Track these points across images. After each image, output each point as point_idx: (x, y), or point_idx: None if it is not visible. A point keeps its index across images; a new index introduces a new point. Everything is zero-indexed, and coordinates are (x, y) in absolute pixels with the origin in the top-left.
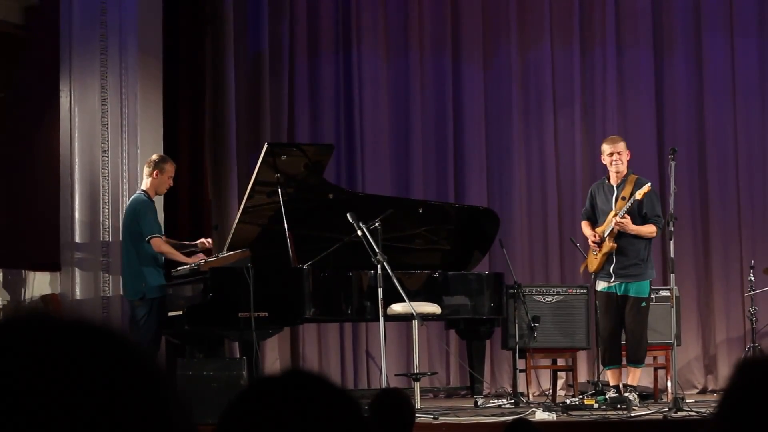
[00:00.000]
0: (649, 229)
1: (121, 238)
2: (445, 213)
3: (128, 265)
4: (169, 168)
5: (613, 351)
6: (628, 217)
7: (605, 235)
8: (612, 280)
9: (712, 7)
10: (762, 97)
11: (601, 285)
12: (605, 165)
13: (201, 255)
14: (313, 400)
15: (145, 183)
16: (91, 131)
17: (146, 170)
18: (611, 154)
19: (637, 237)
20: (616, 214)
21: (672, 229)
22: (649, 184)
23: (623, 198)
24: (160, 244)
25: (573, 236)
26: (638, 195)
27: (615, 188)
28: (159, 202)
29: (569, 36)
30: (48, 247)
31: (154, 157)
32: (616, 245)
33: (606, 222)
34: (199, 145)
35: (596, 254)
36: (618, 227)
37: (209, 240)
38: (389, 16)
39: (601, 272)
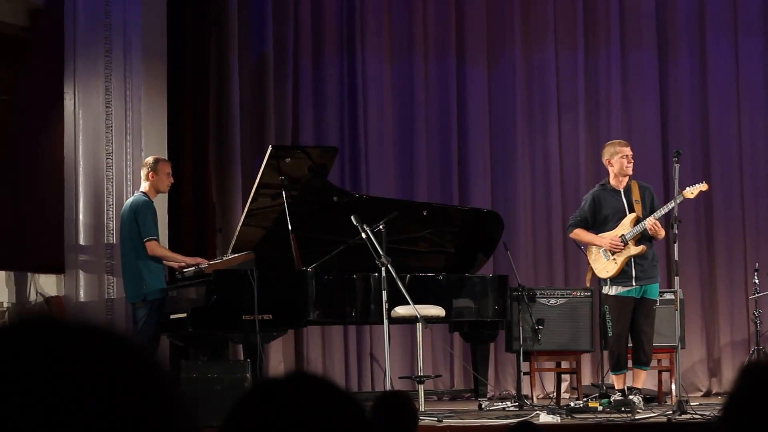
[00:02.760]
0: (663, 233)
1: (120, 240)
2: (450, 215)
3: (128, 267)
4: (163, 166)
5: (625, 355)
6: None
7: (628, 239)
8: (634, 284)
9: (716, 9)
10: (766, 98)
11: (617, 289)
12: (608, 169)
13: (198, 259)
14: (316, 402)
15: (144, 186)
16: (96, 134)
17: (143, 173)
18: (626, 156)
19: (652, 239)
20: (638, 217)
21: (676, 231)
22: (704, 182)
23: (637, 201)
24: (155, 247)
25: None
26: (691, 194)
27: (622, 192)
28: (163, 204)
29: (573, 38)
30: (52, 249)
31: (149, 159)
32: (646, 248)
33: (622, 226)
34: (203, 148)
35: (613, 259)
36: (652, 231)
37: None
38: (393, 19)
39: (619, 277)
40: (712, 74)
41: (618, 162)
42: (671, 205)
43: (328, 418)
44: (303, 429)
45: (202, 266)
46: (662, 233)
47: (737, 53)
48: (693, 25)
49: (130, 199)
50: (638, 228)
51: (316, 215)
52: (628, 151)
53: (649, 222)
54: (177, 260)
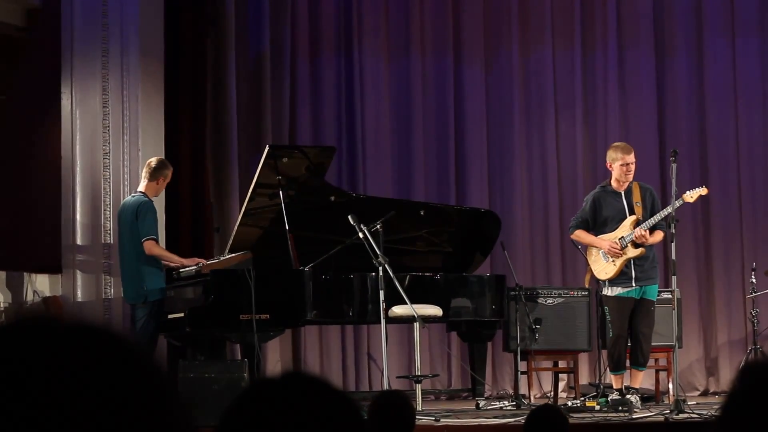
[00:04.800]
0: (660, 237)
1: (118, 240)
2: (447, 215)
3: (128, 268)
4: (169, 173)
5: (625, 356)
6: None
7: (627, 242)
8: (634, 285)
9: (713, 8)
10: (763, 98)
11: (616, 290)
12: (610, 171)
13: (197, 260)
14: (312, 402)
15: (144, 185)
16: (93, 133)
17: (146, 173)
18: (626, 165)
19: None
20: (638, 220)
21: (673, 231)
22: (704, 186)
23: (637, 203)
24: (152, 246)
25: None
26: (690, 198)
27: (623, 194)
28: (161, 204)
29: (570, 38)
30: (49, 249)
31: (154, 162)
32: (644, 250)
33: (621, 228)
34: (200, 147)
35: (612, 261)
36: (639, 241)
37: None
38: (390, 18)
39: (619, 278)
40: (709, 73)
41: (617, 169)
42: (669, 209)
43: (323, 418)
44: (299, 429)
45: (200, 265)
46: (649, 241)
47: (734, 52)
48: (690, 24)
49: (131, 199)
50: (632, 233)
51: (314, 215)
52: (629, 159)
53: (637, 233)
54: (174, 261)
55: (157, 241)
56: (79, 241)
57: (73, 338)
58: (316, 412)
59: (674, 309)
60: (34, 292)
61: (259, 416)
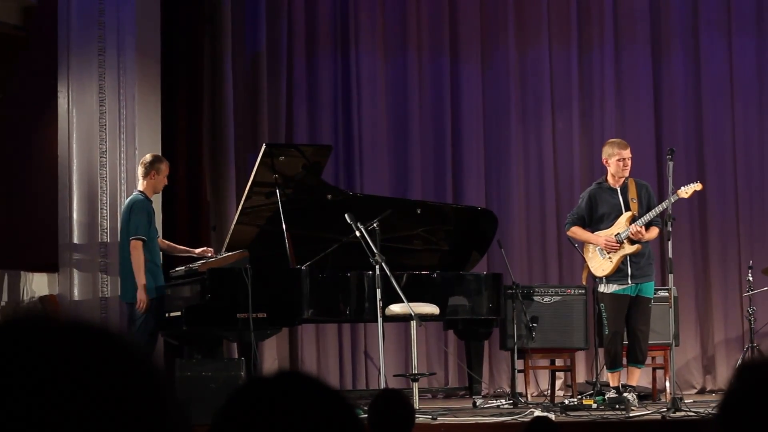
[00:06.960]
0: (656, 233)
1: (119, 239)
2: (444, 213)
3: (127, 266)
4: (164, 167)
5: (621, 353)
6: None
7: (623, 238)
8: (629, 282)
9: (709, 7)
10: (760, 97)
11: (612, 288)
12: (606, 167)
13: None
14: (306, 400)
15: (142, 184)
16: (89, 132)
17: (141, 171)
18: (623, 159)
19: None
20: (633, 216)
21: (670, 229)
22: (698, 182)
23: (633, 199)
24: (135, 247)
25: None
26: (686, 194)
27: (618, 191)
28: (158, 203)
29: (567, 36)
30: (46, 248)
31: (148, 157)
32: (641, 246)
33: (617, 224)
34: (197, 146)
35: (609, 257)
36: (635, 237)
37: (211, 250)
38: (387, 17)
39: (615, 275)
40: (706, 72)
41: (614, 164)
42: (665, 204)
43: (317, 418)
44: (293, 428)
45: (195, 266)
46: (645, 238)
47: (730, 51)
48: (687, 23)
49: (130, 198)
50: (628, 229)
51: (310, 213)
52: (626, 154)
53: (632, 229)
54: (138, 275)
55: (145, 242)
56: (75, 240)
57: (69, 337)
58: (310, 411)
59: (671, 307)
60: (31, 290)
61: (253, 415)
